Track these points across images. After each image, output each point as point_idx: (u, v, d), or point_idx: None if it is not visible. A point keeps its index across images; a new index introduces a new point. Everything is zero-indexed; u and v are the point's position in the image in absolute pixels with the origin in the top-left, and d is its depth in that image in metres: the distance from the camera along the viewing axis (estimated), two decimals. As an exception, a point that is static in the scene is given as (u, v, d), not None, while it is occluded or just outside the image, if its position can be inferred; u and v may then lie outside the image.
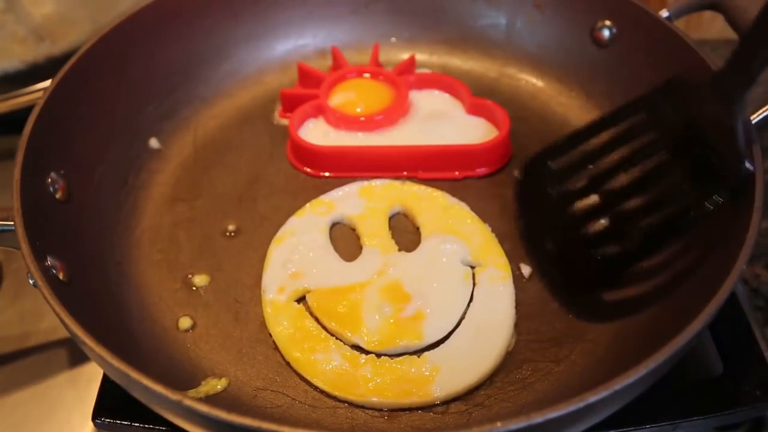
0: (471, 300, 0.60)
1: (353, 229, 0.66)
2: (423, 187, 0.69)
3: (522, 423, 0.41)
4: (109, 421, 0.55)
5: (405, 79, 0.77)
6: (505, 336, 0.57)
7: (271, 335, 0.59)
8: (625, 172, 0.62)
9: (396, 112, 0.74)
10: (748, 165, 0.54)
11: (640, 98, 0.64)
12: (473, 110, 0.75)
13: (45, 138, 0.60)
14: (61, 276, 0.54)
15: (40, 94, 0.64)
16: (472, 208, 0.67)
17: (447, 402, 0.55)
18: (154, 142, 0.74)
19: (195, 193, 0.70)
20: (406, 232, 0.66)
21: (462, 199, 0.68)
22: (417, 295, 0.59)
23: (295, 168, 0.72)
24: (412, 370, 0.55)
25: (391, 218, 0.67)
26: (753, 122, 0.58)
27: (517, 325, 0.59)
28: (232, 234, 0.67)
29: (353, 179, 0.70)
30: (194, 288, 0.63)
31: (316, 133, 0.74)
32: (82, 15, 0.89)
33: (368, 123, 0.74)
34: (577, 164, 0.64)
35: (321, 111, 0.75)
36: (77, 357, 0.64)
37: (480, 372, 0.55)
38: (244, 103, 0.79)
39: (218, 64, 0.79)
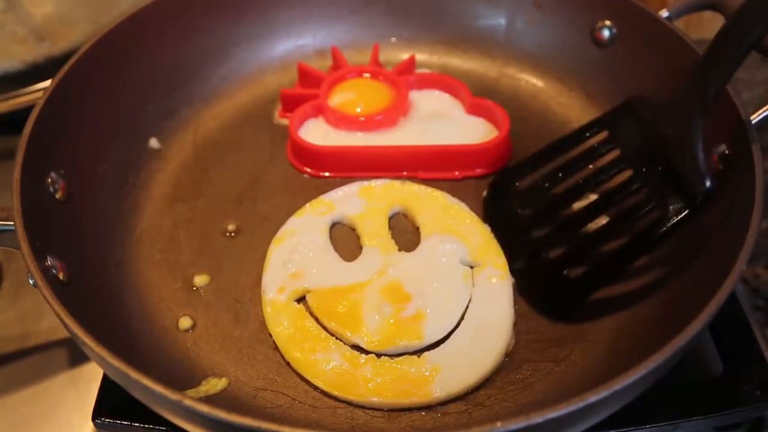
0: (470, 300, 0.60)
1: (353, 229, 0.66)
2: (423, 187, 0.69)
3: (522, 423, 0.41)
4: (109, 421, 0.55)
5: (405, 79, 0.77)
6: (505, 336, 0.57)
7: (271, 335, 0.59)
8: (592, 191, 0.63)
9: (396, 112, 0.74)
10: (708, 183, 0.55)
11: (603, 117, 0.65)
12: (473, 110, 0.75)
13: (45, 138, 0.60)
14: (61, 276, 0.54)
15: (40, 94, 0.64)
16: (472, 208, 0.67)
17: (447, 402, 0.55)
18: (154, 142, 0.74)
19: (195, 193, 0.70)
20: (405, 232, 0.66)
21: (462, 199, 0.68)
22: (417, 295, 0.59)
23: (295, 168, 0.72)
24: (412, 370, 0.55)
25: (390, 218, 0.67)
26: (753, 122, 0.58)
27: (516, 325, 0.59)
28: (232, 234, 0.67)
29: (353, 179, 0.70)
30: (194, 288, 0.63)
31: (316, 133, 0.74)
32: (82, 15, 0.89)
33: (368, 123, 0.74)
34: (542, 185, 0.64)
35: (321, 111, 0.75)
36: (77, 357, 0.64)
37: (480, 372, 0.55)
38: (244, 103, 0.79)
39: (218, 64, 0.79)
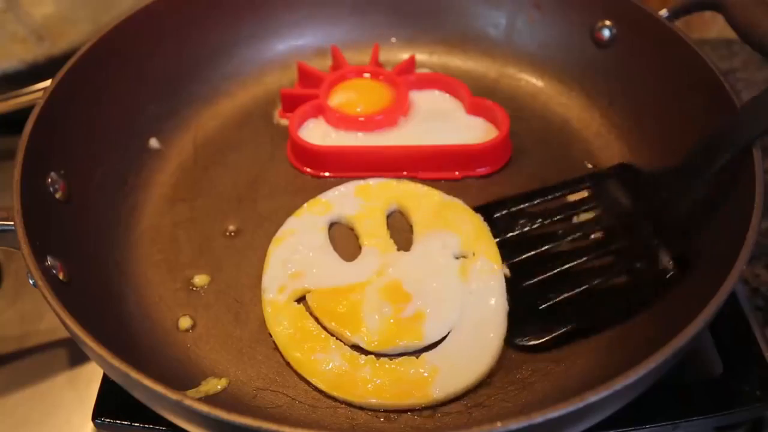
0: (466, 295, 0.60)
1: (351, 229, 0.66)
2: (419, 185, 0.69)
3: (522, 423, 0.41)
4: (109, 422, 0.55)
5: (405, 79, 0.77)
6: (500, 330, 0.57)
7: (271, 335, 0.59)
8: (570, 244, 0.63)
9: (396, 112, 0.74)
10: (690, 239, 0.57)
11: (590, 175, 0.68)
12: (473, 110, 0.75)
13: (45, 138, 0.60)
14: (61, 276, 0.54)
15: (40, 94, 0.64)
16: (472, 208, 0.67)
17: (447, 402, 0.55)
18: (154, 142, 0.74)
19: (195, 193, 0.70)
20: (404, 231, 0.66)
21: (462, 199, 0.68)
22: (417, 294, 0.59)
23: (296, 168, 0.72)
24: (411, 371, 0.55)
25: (388, 216, 0.67)
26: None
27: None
28: (232, 234, 0.67)
29: (353, 179, 0.70)
30: (194, 288, 0.63)
31: (316, 133, 0.74)
32: (82, 15, 0.89)
33: (368, 123, 0.74)
34: (518, 222, 0.65)
35: (321, 111, 0.75)
36: (77, 357, 0.64)
37: (478, 371, 0.55)
38: (244, 103, 0.79)
39: (218, 64, 0.79)
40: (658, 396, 0.53)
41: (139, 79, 0.73)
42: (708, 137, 0.58)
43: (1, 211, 0.54)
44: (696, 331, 0.45)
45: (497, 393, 0.55)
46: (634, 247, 0.61)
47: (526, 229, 0.64)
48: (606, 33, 0.74)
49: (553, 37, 0.79)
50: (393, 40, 0.84)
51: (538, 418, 0.41)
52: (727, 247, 0.51)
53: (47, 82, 0.65)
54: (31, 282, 0.50)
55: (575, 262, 0.61)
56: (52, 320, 0.51)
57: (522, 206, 0.66)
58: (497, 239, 0.63)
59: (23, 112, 0.62)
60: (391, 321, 0.58)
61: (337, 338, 0.58)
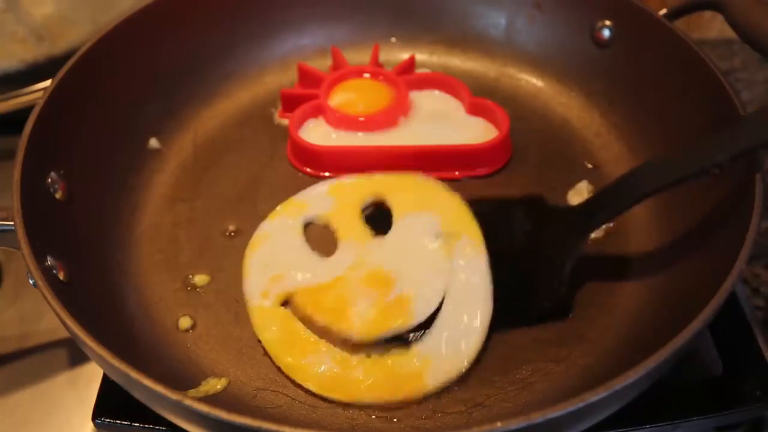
0: (450, 274, 0.60)
1: (327, 227, 0.66)
2: (394, 175, 0.68)
3: (522, 423, 0.41)
4: (109, 422, 0.55)
5: (405, 79, 0.77)
6: (487, 308, 0.58)
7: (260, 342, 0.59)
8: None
9: (396, 112, 0.74)
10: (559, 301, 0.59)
11: (500, 201, 0.68)
12: (473, 110, 0.75)
13: (45, 138, 0.60)
14: (61, 276, 0.54)
15: (40, 94, 0.64)
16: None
17: (446, 403, 0.55)
18: (154, 142, 0.74)
19: (195, 193, 0.70)
20: (385, 218, 0.65)
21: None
22: (399, 277, 0.59)
23: (295, 168, 0.72)
24: (403, 365, 0.55)
25: (365, 210, 0.67)
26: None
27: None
28: (232, 234, 0.67)
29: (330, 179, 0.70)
30: (194, 288, 0.63)
31: (316, 133, 0.74)
32: (82, 15, 0.89)
33: (368, 123, 0.74)
34: None
35: (321, 111, 0.75)
36: (77, 357, 0.64)
37: (469, 354, 0.55)
38: (244, 103, 0.79)
39: (218, 64, 0.79)
40: (658, 396, 0.53)
41: (139, 79, 0.73)
42: (589, 199, 0.62)
43: (1, 211, 0.54)
44: (696, 331, 0.45)
45: (497, 393, 0.55)
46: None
47: None
48: (606, 33, 0.74)
49: (553, 37, 0.79)
50: (393, 40, 0.84)
51: (538, 418, 0.41)
52: (726, 247, 0.51)
53: (47, 82, 0.65)
54: (31, 282, 0.50)
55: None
56: (52, 320, 0.51)
57: None
58: None
59: (23, 112, 0.62)
60: (379, 307, 0.57)
61: (327, 341, 0.57)
